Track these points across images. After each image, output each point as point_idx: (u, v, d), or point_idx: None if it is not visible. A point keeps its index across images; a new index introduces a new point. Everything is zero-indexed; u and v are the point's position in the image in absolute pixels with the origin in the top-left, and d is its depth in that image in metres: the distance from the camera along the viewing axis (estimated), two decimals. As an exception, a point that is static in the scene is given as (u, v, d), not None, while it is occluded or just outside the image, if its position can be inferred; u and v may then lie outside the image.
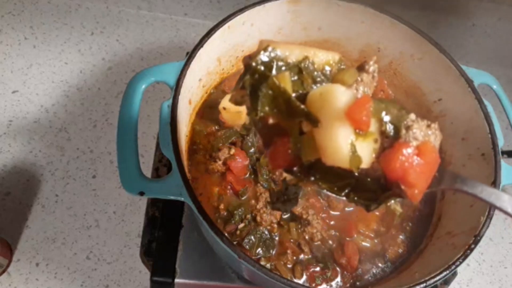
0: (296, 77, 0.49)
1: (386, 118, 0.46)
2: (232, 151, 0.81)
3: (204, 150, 0.84)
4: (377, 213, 0.83)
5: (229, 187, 0.80)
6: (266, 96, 0.48)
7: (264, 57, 0.48)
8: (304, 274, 0.75)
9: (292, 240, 0.77)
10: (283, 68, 0.48)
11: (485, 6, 1.35)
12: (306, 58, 0.49)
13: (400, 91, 0.96)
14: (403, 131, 0.45)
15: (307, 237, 0.77)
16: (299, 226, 0.78)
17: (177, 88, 0.71)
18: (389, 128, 0.45)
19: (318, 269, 0.76)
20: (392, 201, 0.50)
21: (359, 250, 0.78)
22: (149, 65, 0.76)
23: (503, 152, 0.77)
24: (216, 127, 0.87)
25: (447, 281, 0.84)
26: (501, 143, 0.77)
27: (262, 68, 0.47)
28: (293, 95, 0.47)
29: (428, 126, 0.46)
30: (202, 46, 0.77)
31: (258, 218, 0.75)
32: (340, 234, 0.79)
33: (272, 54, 0.48)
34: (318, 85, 0.50)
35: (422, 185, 0.44)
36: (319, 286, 0.75)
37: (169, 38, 1.52)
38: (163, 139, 0.66)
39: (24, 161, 1.20)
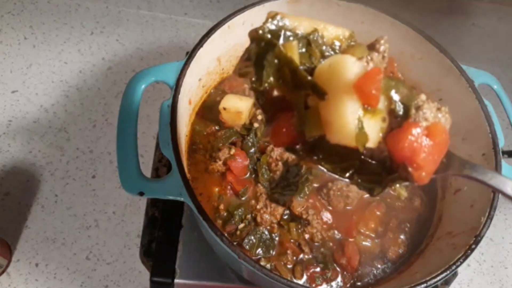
0: (304, 49, 0.46)
1: (396, 97, 0.43)
2: (232, 151, 0.81)
3: (204, 150, 0.84)
4: (378, 213, 0.83)
5: (229, 187, 0.80)
6: (271, 66, 0.45)
7: (271, 25, 0.46)
8: (304, 274, 0.75)
9: (292, 241, 0.77)
10: (291, 38, 0.46)
11: (485, 6, 1.35)
12: (315, 30, 0.47)
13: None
14: (413, 111, 0.43)
15: (307, 237, 0.77)
16: (299, 226, 0.78)
17: (177, 88, 0.71)
18: (399, 107, 0.43)
19: (318, 269, 0.76)
20: (397, 185, 0.49)
21: (359, 250, 0.78)
22: (149, 65, 0.76)
23: (503, 152, 0.77)
24: (216, 127, 0.87)
25: (447, 281, 0.84)
26: (501, 143, 0.76)
27: (269, 36, 0.45)
28: (300, 67, 0.45)
29: (439, 109, 0.45)
30: (202, 46, 0.77)
31: (258, 218, 0.75)
32: (340, 234, 0.79)
33: (280, 23, 0.46)
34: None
35: (430, 167, 0.43)
36: (319, 286, 0.75)
37: (169, 38, 1.52)
38: (163, 139, 0.66)
39: (24, 161, 1.20)
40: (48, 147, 1.23)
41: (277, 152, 0.81)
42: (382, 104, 0.43)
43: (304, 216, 0.77)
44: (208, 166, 0.81)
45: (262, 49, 0.46)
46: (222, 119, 0.85)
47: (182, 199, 0.62)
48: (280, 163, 0.80)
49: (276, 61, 0.45)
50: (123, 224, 1.15)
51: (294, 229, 0.77)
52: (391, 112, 0.44)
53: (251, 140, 0.83)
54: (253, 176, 0.81)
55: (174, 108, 0.69)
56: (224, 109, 0.83)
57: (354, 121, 0.41)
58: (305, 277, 0.75)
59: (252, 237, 0.74)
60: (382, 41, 0.49)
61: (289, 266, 0.75)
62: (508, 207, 1.37)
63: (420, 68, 0.90)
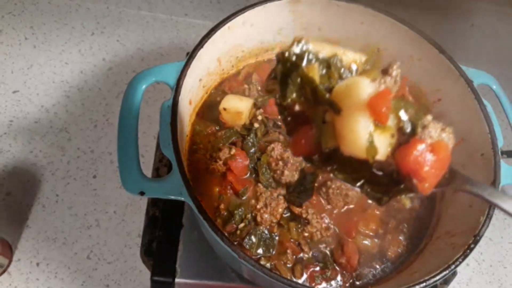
0: (324, 71, 0.52)
1: (405, 116, 0.48)
2: (233, 151, 0.81)
3: (205, 150, 0.84)
4: (377, 213, 0.83)
5: (229, 187, 0.80)
6: (295, 84, 0.51)
7: (297, 49, 0.52)
8: (304, 273, 0.75)
9: (292, 240, 0.77)
10: (313, 61, 0.52)
11: (484, 6, 1.36)
12: (335, 55, 0.53)
13: (399, 91, 0.97)
14: (419, 129, 0.48)
15: (307, 235, 0.77)
16: (299, 226, 0.78)
17: (177, 88, 0.72)
18: (407, 125, 0.48)
19: (317, 268, 0.76)
20: (403, 196, 0.52)
21: (359, 250, 0.78)
22: (150, 66, 0.76)
23: (502, 152, 0.77)
24: (217, 127, 0.87)
25: (446, 281, 0.84)
26: (500, 143, 0.77)
27: (294, 58, 0.51)
28: (322, 86, 0.51)
29: (443, 129, 0.49)
30: (202, 47, 0.77)
31: (258, 218, 0.76)
32: (340, 234, 0.80)
33: (304, 47, 0.52)
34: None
35: (432, 180, 0.47)
36: (319, 285, 0.75)
37: (170, 38, 1.52)
38: (164, 139, 0.66)
39: (25, 161, 1.20)
40: (49, 147, 1.23)
41: (277, 151, 0.81)
42: (391, 122, 0.48)
43: (304, 216, 0.77)
44: (209, 166, 0.82)
45: (287, 69, 0.52)
46: (222, 119, 0.86)
47: (182, 198, 0.63)
48: (280, 163, 0.80)
49: (299, 80, 0.51)
50: (124, 223, 1.15)
51: (294, 229, 0.77)
52: (400, 129, 0.49)
53: (251, 140, 0.83)
54: (253, 176, 0.82)
55: (175, 109, 0.69)
56: (224, 109, 0.84)
57: (365, 135, 0.47)
58: (304, 276, 0.75)
59: (252, 237, 0.75)
60: (395, 66, 0.53)
61: (289, 266, 0.75)
62: (508, 207, 1.38)
63: (419, 69, 0.90)
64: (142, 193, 0.62)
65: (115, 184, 1.20)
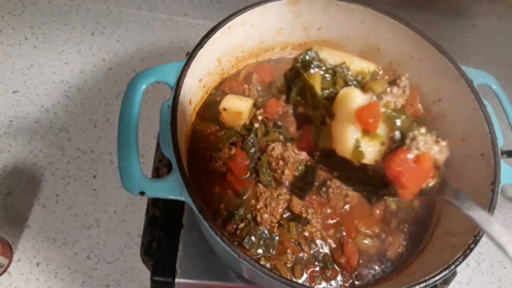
0: (330, 78, 0.57)
1: (397, 127, 0.52)
2: (233, 151, 0.81)
3: (205, 150, 0.84)
4: (377, 213, 0.83)
5: (229, 187, 0.80)
6: (297, 88, 0.57)
7: (306, 56, 0.57)
8: (304, 273, 0.75)
9: (292, 240, 0.77)
10: (317, 69, 0.57)
11: (485, 6, 1.35)
12: (343, 63, 0.57)
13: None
14: (408, 141, 0.51)
15: (306, 235, 0.78)
16: (299, 226, 0.78)
17: (177, 88, 0.72)
18: (397, 135, 0.51)
19: (317, 268, 0.76)
20: (390, 198, 0.57)
21: (359, 250, 0.78)
22: (150, 66, 0.76)
23: (502, 152, 0.77)
24: (217, 127, 0.87)
25: (446, 281, 0.84)
26: (500, 143, 0.77)
27: (300, 65, 0.57)
28: (325, 91, 0.56)
29: (437, 142, 0.52)
30: (202, 47, 0.77)
31: (258, 218, 0.76)
32: (340, 234, 0.80)
33: (313, 55, 0.57)
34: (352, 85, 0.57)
35: (413, 188, 0.51)
36: (319, 285, 0.75)
37: (170, 38, 1.52)
38: (164, 139, 0.66)
39: (25, 161, 1.20)
40: (49, 147, 1.23)
41: (277, 151, 0.81)
42: (383, 131, 0.52)
43: (304, 215, 0.77)
44: (209, 166, 0.82)
45: (293, 75, 0.58)
46: (223, 119, 0.86)
47: (182, 198, 0.63)
48: (281, 162, 0.80)
49: (301, 85, 0.57)
50: (124, 223, 1.15)
51: (294, 229, 0.77)
52: (392, 138, 0.52)
53: (251, 140, 0.83)
54: (254, 176, 0.82)
55: (175, 109, 0.69)
56: (224, 109, 0.84)
57: (352, 141, 0.52)
58: (304, 276, 0.75)
59: (252, 237, 0.75)
60: (403, 78, 0.56)
61: (289, 265, 0.75)
62: (508, 206, 1.38)
63: (419, 69, 0.90)
64: (142, 193, 0.62)
65: (115, 184, 1.20)
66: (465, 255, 0.66)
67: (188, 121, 0.85)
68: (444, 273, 0.64)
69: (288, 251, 0.76)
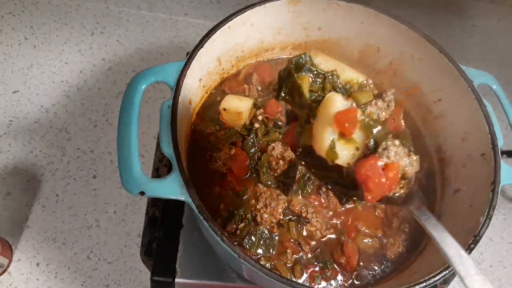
0: (319, 82, 0.60)
1: (373, 136, 0.55)
2: (233, 151, 0.81)
3: (205, 150, 0.84)
4: (377, 213, 0.83)
5: (229, 187, 0.80)
6: (287, 87, 0.61)
7: (300, 59, 0.60)
8: (304, 273, 0.75)
9: (292, 240, 0.77)
10: (313, 71, 0.60)
11: (485, 6, 1.35)
12: (334, 71, 0.60)
13: (400, 91, 0.97)
14: (380, 149, 0.54)
15: (305, 235, 0.77)
16: (299, 225, 0.78)
17: (177, 88, 0.72)
18: (372, 143, 0.55)
19: (317, 268, 0.76)
20: (357, 200, 0.61)
21: (359, 250, 0.78)
22: (149, 65, 0.76)
23: (502, 152, 0.77)
24: (217, 128, 0.87)
25: (446, 281, 0.84)
26: (500, 143, 0.77)
27: (293, 66, 0.60)
28: (314, 94, 0.59)
29: (409, 155, 0.56)
30: (202, 46, 0.77)
31: (258, 218, 0.76)
32: (340, 234, 0.80)
33: (307, 59, 0.60)
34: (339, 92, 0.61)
35: (377, 193, 0.54)
36: (319, 285, 0.75)
37: (169, 38, 1.52)
38: (164, 139, 0.66)
39: (25, 161, 1.20)
40: (49, 147, 1.23)
41: (277, 150, 0.81)
42: (359, 137, 0.55)
43: (304, 215, 0.77)
44: (209, 166, 0.82)
45: (285, 74, 0.61)
46: (223, 119, 0.86)
47: (182, 198, 0.63)
48: (281, 162, 0.80)
49: (290, 84, 0.60)
50: (123, 223, 1.15)
51: (294, 229, 0.77)
52: (366, 145, 0.55)
53: (251, 140, 0.83)
54: (254, 175, 0.82)
55: (175, 109, 0.69)
56: (224, 109, 0.83)
57: (328, 141, 0.55)
58: (304, 276, 0.75)
59: (252, 237, 0.75)
60: (389, 93, 0.59)
61: (289, 265, 0.75)
62: (507, 207, 1.38)
63: (419, 68, 0.90)
64: (142, 193, 0.62)
65: (115, 184, 1.20)
66: (465, 255, 0.65)
67: (188, 121, 0.85)
68: (444, 273, 0.64)
69: (288, 251, 0.76)
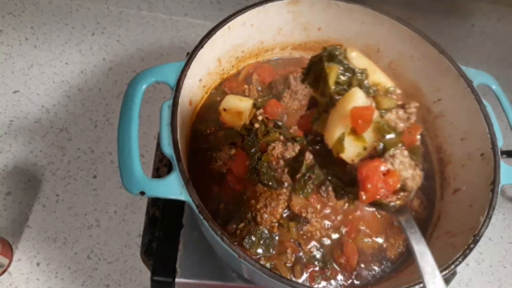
0: (347, 77, 0.60)
1: (384, 140, 0.56)
2: (233, 151, 0.81)
3: (205, 150, 0.84)
4: (377, 213, 0.83)
5: (229, 187, 0.80)
6: (314, 72, 0.63)
7: (334, 50, 0.61)
8: (304, 273, 0.75)
9: (292, 240, 0.77)
10: (344, 64, 0.60)
11: (484, 7, 1.35)
12: (365, 69, 0.61)
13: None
14: (387, 155, 0.55)
15: (305, 236, 0.78)
16: (299, 225, 0.78)
17: (177, 89, 0.72)
18: (380, 147, 0.56)
19: (317, 268, 0.76)
20: (353, 198, 0.60)
21: (359, 249, 0.78)
22: (150, 66, 0.76)
23: (502, 152, 0.77)
24: (217, 128, 0.87)
25: (446, 281, 0.84)
26: (500, 143, 0.77)
27: (326, 54, 0.61)
28: (340, 87, 0.60)
29: (414, 169, 0.57)
30: (202, 47, 0.77)
31: (258, 218, 0.76)
32: (340, 233, 0.80)
33: (341, 51, 0.61)
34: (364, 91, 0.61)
35: (371, 195, 0.55)
36: (319, 285, 0.75)
37: (170, 38, 1.52)
38: (164, 139, 0.66)
39: (25, 161, 1.20)
40: (49, 147, 1.23)
41: (278, 150, 0.81)
42: (369, 138, 0.56)
43: (304, 215, 0.78)
44: (209, 166, 0.82)
45: (316, 60, 0.63)
46: (223, 119, 0.86)
47: (182, 198, 0.63)
48: (281, 161, 0.80)
49: (318, 71, 0.62)
50: (124, 223, 1.15)
51: (294, 228, 0.77)
52: (375, 148, 0.56)
53: (251, 140, 0.83)
54: (254, 175, 0.82)
55: (175, 109, 0.69)
56: (224, 110, 0.84)
57: (338, 133, 0.56)
58: (304, 275, 0.75)
59: (252, 237, 0.75)
60: (412, 106, 0.59)
61: (289, 265, 0.75)
62: (507, 206, 1.38)
63: (419, 69, 0.90)
64: (142, 193, 0.62)
65: (115, 184, 1.20)
66: (465, 255, 0.66)
67: (188, 121, 0.85)
68: (444, 273, 0.64)
69: (288, 251, 0.76)
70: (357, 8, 0.88)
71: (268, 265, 0.74)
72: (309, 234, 0.78)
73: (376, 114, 0.56)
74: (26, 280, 1.05)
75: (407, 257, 0.80)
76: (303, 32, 0.96)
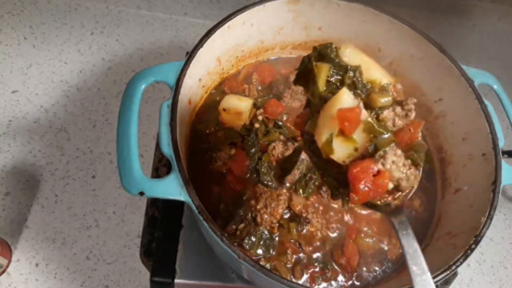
0: (339, 75, 0.59)
1: (376, 141, 0.55)
2: (233, 151, 0.81)
3: (205, 150, 0.84)
4: (378, 213, 0.83)
5: (229, 187, 0.80)
6: (304, 70, 0.62)
7: (325, 48, 0.60)
8: (304, 274, 0.75)
9: (292, 240, 0.77)
10: (335, 62, 0.59)
11: (485, 6, 1.35)
12: (358, 66, 0.59)
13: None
14: (377, 155, 0.54)
15: (307, 235, 0.77)
16: (299, 226, 0.78)
17: (177, 88, 0.71)
18: (371, 147, 0.55)
19: (318, 269, 0.76)
20: (346, 198, 0.59)
21: (359, 250, 0.78)
22: (149, 65, 0.76)
23: (503, 152, 0.77)
24: (217, 128, 0.87)
25: (447, 281, 0.84)
26: (501, 143, 0.77)
27: (316, 54, 0.60)
28: (332, 86, 0.59)
29: (410, 168, 0.56)
30: (202, 46, 0.77)
31: (258, 219, 0.75)
32: (340, 234, 0.79)
33: (333, 49, 0.60)
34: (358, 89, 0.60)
35: (362, 196, 0.54)
36: (319, 286, 0.75)
37: (169, 38, 1.52)
38: (163, 139, 0.66)
39: (24, 161, 1.20)
40: (48, 147, 1.23)
41: (278, 150, 0.81)
42: (360, 139, 0.55)
43: (304, 215, 0.77)
44: (209, 166, 0.81)
45: (307, 61, 0.62)
46: (222, 119, 0.85)
47: (182, 198, 0.62)
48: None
49: (307, 70, 0.61)
50: (123, 224, 1.15)
51: (294, 229, 0.77)
52: (366, 148, 0.55)
53: (251, 140, 0.83)
54: (254, 175, 0.81)
55: (174, 108, 0.69)
56: (224, 110, 0.83)
57: (326, 135, 0.55)
58: (305, 276, 0.75)
59: (252, 237, 0.74)
60: (410, 102, 0.58)
61: (289, 266, 0.75)
62: (508, 207, 1.38)
63: (420, 68, 0.90)
64: (141, 193, 0.62)
65: (115, 184, 1.20)
66: (466, 256, 0.65)
67: (188, 121, 0.85)
68: (445, 273, 0.63)
69: (288, 251, 0.76)
70: (357, 7, 0.88)
71: (268, 266, 0.74)
72: (309, 235, 0.77)
73: (365, 114, 0.55)
74: (25, 281, 1.05)
75: (408, 258, 0.80)
76: (303, 32, 0.96)
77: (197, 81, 0.84)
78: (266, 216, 0.75)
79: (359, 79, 0.59)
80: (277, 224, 0.77)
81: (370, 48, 0.95)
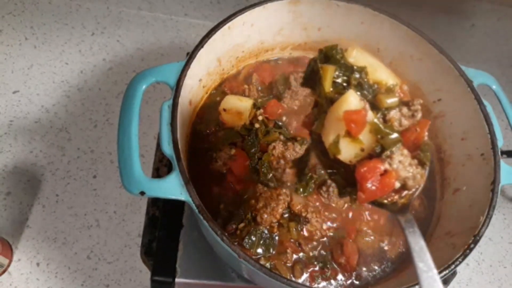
0: (346, 76, 0.60)
1: (382, 142, 0.56)
2: (233, 151, 0.81)
3: (205, 150, 0.84)
4: (377, 212, 0.83)
5: (229, 187, 0.80)
6: (311, 72, 0.63)
7: (330, 49, 0.61)
8: (304, 273, 0.75)
9: (292, 240, 0.77)
10: (341, 64, 0.60)
11: (484, 6, 1.36)
12: (364, 68, 0.60)
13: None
14: (384, 155, 0.55)
15: (306, 235, 0.78)
16: (299, 226, 0.78)
17: (177, 89, 0.72)
18: (378, 148, 0.56)
19: (317, 268, 0.76)
20: (354, 197, 0.59)
21: (359, 249, 0.78)
22: (150, 66, 0.76)
23: (502, 152, 0.77)
24: (217, 128, 0.87)
25: (446, 281, 0.84)
26: (500, 143, 0.77)
27: (322, 56, 0.62)
28: (338, 87, 0.60)
29: (416, 167, 0.56)
30: (202, 47, 0.77)
31: (258, 218, 0.76)
32: (340, 233, 0.80)
33: (338, 50, 0.61)
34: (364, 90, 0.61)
35: (369, 194, 0.55)
36: (319, 285, 0.75)
37: (170, 38, 1.52)
38: (164, 139, 0.66)
39: (25, 161, 1.20)
40: (49, 147, 1.23)
41: (278, 150, 0.81)
42: (367, 140, 0.56)
43: (304, 214, 0.78)
44: (209, 166, 0.82)
45: (313, 63, 0.63)
46: (223, 119, 0.86)
47: (182, 198, 0.63)
48: (282, 161, 0.80)
49: (314, 70, 0.62)
50: (124, 223, 1.15)
51: (294, 229, 0.77)
52: (373, 149, 0.56)
53: (251, 140, 0.83)
54: (254, 175, 0.82)
55: (175, 109, 0.69)
56: (224, 110, 0.84)
57: (333, 136, 0.56)
58: (304, 275, 0.75)
59: (252, 237, 0.75)
60: (416, 103, 0.59)
61: (289, 265, 0.75)
62: (507, 206, 1.38)
63: (419, 69, 0.90)
64: (142, 193, 0.62)
65: (115, 184, 1.20)
66: (465, 255, 0.66)
67: (188, 121, 0.85)
68: (444, 273, 0.64)
69: (288, 251, 0.76)
70: (357, 8, 0.88)
71: (268, 265, 0.74)
72: (309, 234, 0.78)
73: (371, 116, 0.55)
74: (26, 280, 1.05)
75: (408, 257, 0.80)
76: (303, 32, 0.96)
77: (198, 81, 0.84)
78: (266, 216, 0.76)
79: (365, 80, 0.60)
80: (277, 224, 0.77)
81: (370, 49, 0.95)
